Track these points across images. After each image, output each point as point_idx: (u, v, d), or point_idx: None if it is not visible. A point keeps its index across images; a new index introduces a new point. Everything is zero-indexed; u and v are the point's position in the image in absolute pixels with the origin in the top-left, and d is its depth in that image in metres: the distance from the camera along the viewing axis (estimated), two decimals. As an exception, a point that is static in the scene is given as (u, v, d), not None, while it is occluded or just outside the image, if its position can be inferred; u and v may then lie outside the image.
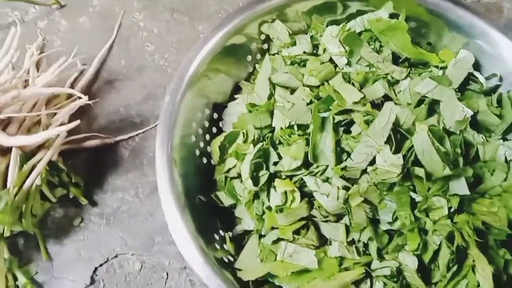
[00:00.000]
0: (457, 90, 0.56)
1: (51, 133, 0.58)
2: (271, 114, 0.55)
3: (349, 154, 0.50)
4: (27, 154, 0.61)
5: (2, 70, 0.60)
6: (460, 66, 0.58)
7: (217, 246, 0.52)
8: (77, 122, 0.59)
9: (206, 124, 0.61)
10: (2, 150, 0.61)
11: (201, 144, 0.59)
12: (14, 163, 0.59)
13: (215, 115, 0.63)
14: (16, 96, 0.58)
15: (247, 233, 0.55)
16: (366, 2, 0.64)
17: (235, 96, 0.61)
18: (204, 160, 0.59)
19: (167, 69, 0.76)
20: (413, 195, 0.49)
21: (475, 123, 0.56)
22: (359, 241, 0.49)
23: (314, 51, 0.62)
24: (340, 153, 0.50)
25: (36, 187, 0.61)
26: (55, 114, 0.66)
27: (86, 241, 0.64)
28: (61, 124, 0.64)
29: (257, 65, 0.64)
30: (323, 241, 0.51)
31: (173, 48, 0.78)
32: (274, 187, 0.51)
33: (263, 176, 0.51)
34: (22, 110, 0.65)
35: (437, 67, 0.60)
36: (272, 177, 0.52)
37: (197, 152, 0.58)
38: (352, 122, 0.51)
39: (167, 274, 0.62)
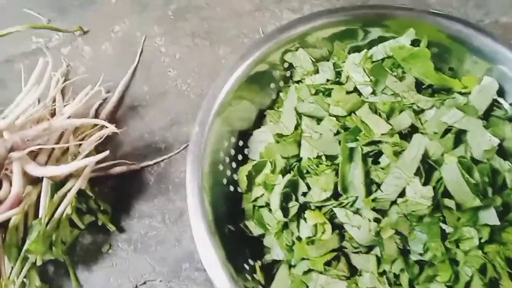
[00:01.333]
0: (482, 117, 0.57)
1: (82, 163, 0.60)
2: (298, 144, 0.56)
3: (378, 185, 0.50)
4: (57, 184, 0.62)
5: (34, 102, 0.61)
6: (484, 92, 0.58)
7: (248, 276, 0.53)
8: (107, 152, 0.60)
9: (232, 152, 0.62)
10: (32, 180, 0.62)
11: (228, 172, 0.60)
12: (45, 193, 0.61)
13: (240, 142, 0.64)
14: (47, 128, 0.59)
15: (276, 262, 0.55)
16: (387, 28, 0.65)
17: (262, 127, 0.62)
18: (231, 188, 0.60)
19: (190, 95, 0.78)
20: (443, 226, 0.49)
21: (501, 150, 0.56)
22: (390, 272, 0.49)
23: (337, 79, 0.63)
24: (369, 184, 0.51)
25: (66, 216, 0.62)
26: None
27: (115, 268, 0.65)
28: (89, 153, 0.65)
29: (280, 93, 0.65)
30: (353, 272, 0.51)
31: (195, 73, 0.79)
32: (304, 218, 0.51)
33: (293, 207, 0.52)
34: (50, 139, 0.66)
35: (460, 93, 0.60)
36: (302, 207, 0.53)
37: (225, 181, 0.59)
38: (380, 153, 0.52)
39: (195, 300, 0.63)
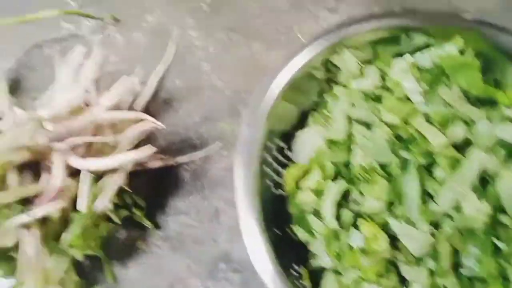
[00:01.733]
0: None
1: (127, 157, 0.59)
2: (348, 149, 0.55)
3: (431, 196, 0.50)
4: (96, 177, 0.61)
5: (78, 95, 0.60)
6: (532, 107, 0.58)
7: (294, 281, 0.53)
8: (154, 149, 0.59)
9: (275, 153, 0.61)
10: (72, 172, 0.61)
11: (273, 175, 0.59)
12: (86, 186, 0.59)
13: (282, 144, 0.63)
14: (93, 120, 0.58)
15: (322, 268, 0.55)
16: (430, 34, 0.64)
17: (307, 128, 0.62)
18: (275, 191, 0.59)
19: (224, 90, 0.76)
20: (497, 242, 0.49)
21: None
22: (441, 285, 0.50)
23: (381, 84, 0.63)
24: (423, 196, 0.51)
25: (106, 210, 0.61)
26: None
27: (150, 265, 0.65)
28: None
29: (324, 95, 0.65)
30: (401, 282, 0.51)
31: (229, 69, 0.78)
32: (356, 227, 0.51)
33: (346, 216, 0.52)
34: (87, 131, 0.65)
35: (506, 106, 0.60)
36: (353, 215, 0.53)
37: (270, 183, 0.59)
38: (433, 164, 0.52)
39: (232, 301, 0.63)
